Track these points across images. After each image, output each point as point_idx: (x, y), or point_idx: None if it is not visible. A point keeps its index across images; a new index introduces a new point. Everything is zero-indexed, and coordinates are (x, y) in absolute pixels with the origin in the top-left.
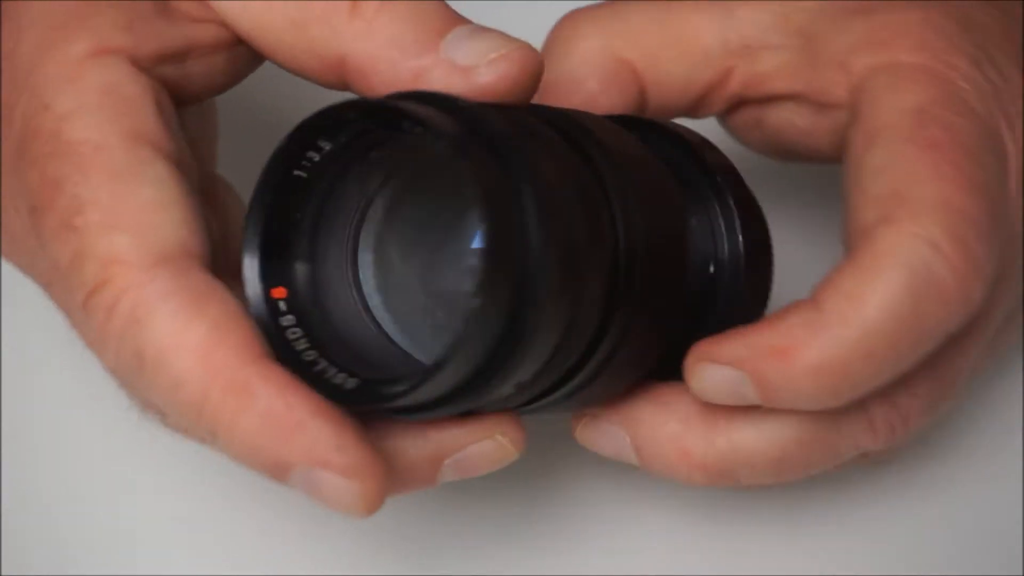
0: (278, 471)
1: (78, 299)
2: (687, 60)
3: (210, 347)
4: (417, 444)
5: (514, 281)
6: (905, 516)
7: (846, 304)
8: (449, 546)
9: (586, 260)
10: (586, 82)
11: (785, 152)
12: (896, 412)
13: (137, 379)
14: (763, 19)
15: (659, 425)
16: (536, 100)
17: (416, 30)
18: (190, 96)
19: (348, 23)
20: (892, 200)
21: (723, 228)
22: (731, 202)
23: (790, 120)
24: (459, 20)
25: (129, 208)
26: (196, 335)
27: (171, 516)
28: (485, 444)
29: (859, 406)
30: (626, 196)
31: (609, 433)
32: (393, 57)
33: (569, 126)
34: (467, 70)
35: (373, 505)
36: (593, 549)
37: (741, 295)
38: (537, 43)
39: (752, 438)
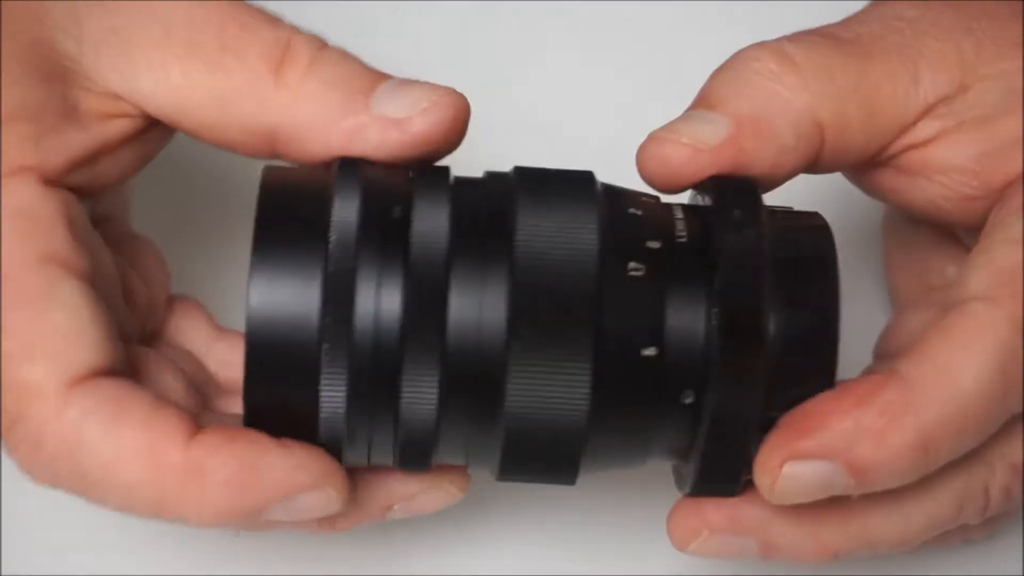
0: (253, 519)
1: (3, 429)
2: (871, 128)
3: (149, 446)
4: (368, 490)
5: (279, 381)
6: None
7: (940, 378)
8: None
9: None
10: (783, 136)
11: (910, 208)
12: (1008, 496)
13: (83, 493)
14: (942, 86)
15: (792, 529)
16: (727, 128)
17: (344, 91)
18: (101, 188)
19: (275, 93)
20: (1008, 278)
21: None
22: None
23: (934, 191)
24: (382, 76)
25: (42, 337)
26: (132, 440)
27: None
28: (431, 492)
29: (982, 489)
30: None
31: (732, 544)
32: (325, 121)
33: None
34: (401, 122)
35: (347, 498)
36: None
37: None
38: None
39: (882, 523)
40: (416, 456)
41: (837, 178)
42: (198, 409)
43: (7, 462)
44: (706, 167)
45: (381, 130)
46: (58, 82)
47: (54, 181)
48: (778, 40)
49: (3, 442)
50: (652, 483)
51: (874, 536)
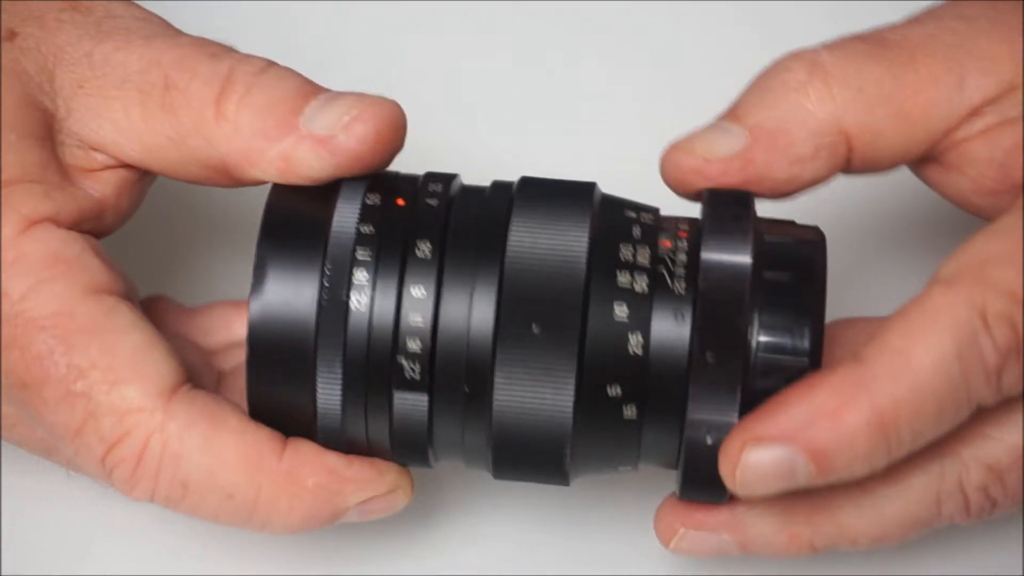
0: (329, 523)
1: (96, 455)
2: (908, 134)
3: (249, 453)
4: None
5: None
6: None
7: (895, 359)
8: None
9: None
10: (800, 147)
11: (950, 200)
12: (986, 497)
13: (179, 504)
14: (990, 88)
15: (761, 523)
16: (742, 141)
17: (275, 115)
18: (104, 234)
19: (216, 127)
20: (974, 266)
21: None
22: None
23: (965, 184)
24: (315, 92)
25: (123, 360)
26: (233, 448)
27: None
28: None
29: (957, 487)
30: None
31: (711, 540)
32: (261, 147)
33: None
34: (327, 140)
35: (408, 500)
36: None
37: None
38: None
39: (854, 517)
40: (414, 454)
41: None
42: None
43: (7, 462)
44: (715, 176)
45: (310, 150)
46: (48, 141)
47: (69, 228)
48: (816, 48)
49: (100, 468)
50: (648, 482)
51: (848, 530)
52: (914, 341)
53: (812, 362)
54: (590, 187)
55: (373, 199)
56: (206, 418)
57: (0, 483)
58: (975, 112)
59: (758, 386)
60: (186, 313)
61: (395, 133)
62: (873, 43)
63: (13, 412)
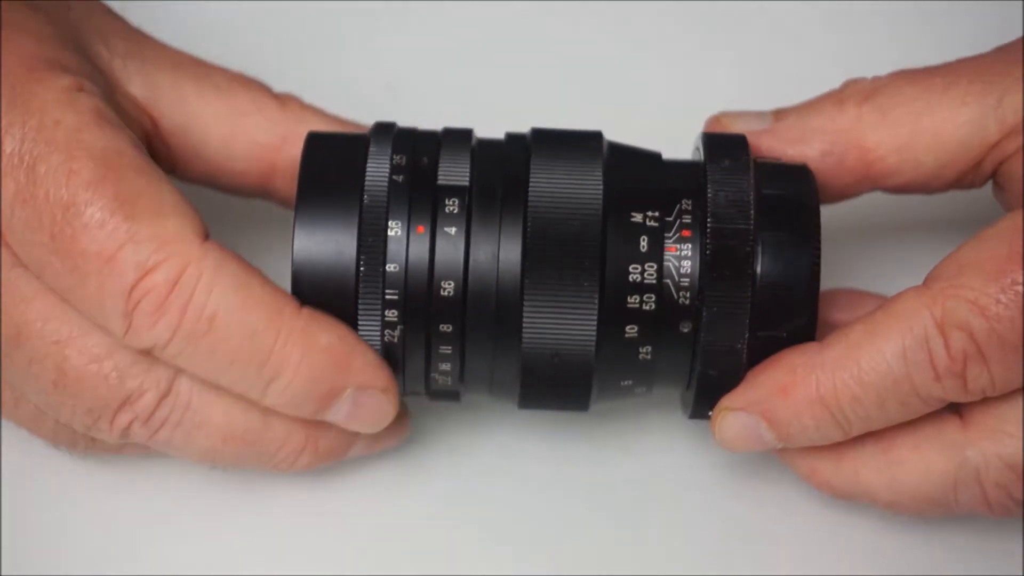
0: (326, 401)
1: (125, 284)
2: (940, 152)
3: (271, 302)
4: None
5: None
6: (905, 516)
7: (846, 351)
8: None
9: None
10: (811, 148)
11: None
12: (1008, 495)
13: (200, 340)
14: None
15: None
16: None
17: (335, 119)
18: None
19: (282, 114)
20: (951, 271)
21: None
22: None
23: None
24: None
25: (168, 198)
26: (260, 292)
27: (170, 513)
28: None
29: (974, 477)
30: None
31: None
32: (331, 127)
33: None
34: None
35: (393, 416)
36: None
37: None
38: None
39: (873, 478)
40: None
41: None
42: None
43: (7, 461)
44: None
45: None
46: (97, 62)
47: None
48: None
49: (125, 301)
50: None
51: (866, 486)
52: (869, 338)
53: (809, 295)
54: (597, 134)
55: (402, 149)
56: (238, 262)
57: (0, 483)
58: (1012, 128)
59: (764, 314)
60: None
61: None
62: (917, 73)
63: (22, 285)
